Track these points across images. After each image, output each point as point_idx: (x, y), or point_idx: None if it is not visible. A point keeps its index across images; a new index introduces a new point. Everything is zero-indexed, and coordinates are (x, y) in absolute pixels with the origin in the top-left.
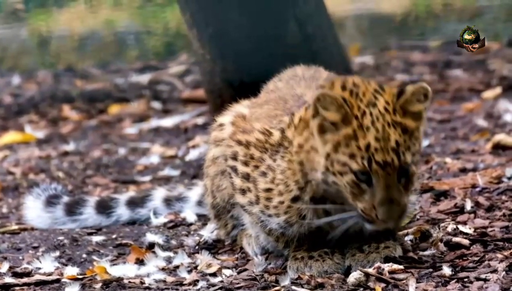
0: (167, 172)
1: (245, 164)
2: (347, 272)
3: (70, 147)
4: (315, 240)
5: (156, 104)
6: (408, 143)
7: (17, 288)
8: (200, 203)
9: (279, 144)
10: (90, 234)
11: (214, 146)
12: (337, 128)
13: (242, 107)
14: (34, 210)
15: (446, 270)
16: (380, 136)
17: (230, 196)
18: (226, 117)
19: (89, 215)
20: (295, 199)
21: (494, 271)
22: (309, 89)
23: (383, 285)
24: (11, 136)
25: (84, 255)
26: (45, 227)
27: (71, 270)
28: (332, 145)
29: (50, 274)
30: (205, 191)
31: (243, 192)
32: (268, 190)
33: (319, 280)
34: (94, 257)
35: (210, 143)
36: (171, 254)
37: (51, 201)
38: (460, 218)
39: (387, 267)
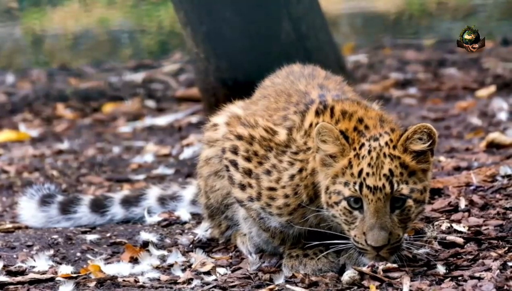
0: (161, 170)
1: (248, 159)
2: (342, 270)
3: (64, 145)
4: (311, 239)
5: (150, 103)
6: (406, 178)
7: (11, 286)
8: (194, 202)
9: (286, 145)
10: (84, 232)
11: (207, 147)
12: (335, 160)
13: (236, 108)
14: (28, 210)
15: (441, 269)
16: (373, 163)
17: (223, 197)
18: (220, 118)
19: (83, 213)
20: (303, 206)
21: (489, 269)
22: (312, 87)
23: (377, 283)
24: (5, 135)
25: (78, 254)
26: (40, 226)
27: (65, 269)
28: (331, 177)
29: (44, 273)
30: (199, 191)
31: (243, 187)
32: (272, 189)
33: (313, 278)
34: (88, 256)
35: (204, 143)
36: (165, 252)
37: (45, 200)
38: (454, 216)
39: (381, 265)
